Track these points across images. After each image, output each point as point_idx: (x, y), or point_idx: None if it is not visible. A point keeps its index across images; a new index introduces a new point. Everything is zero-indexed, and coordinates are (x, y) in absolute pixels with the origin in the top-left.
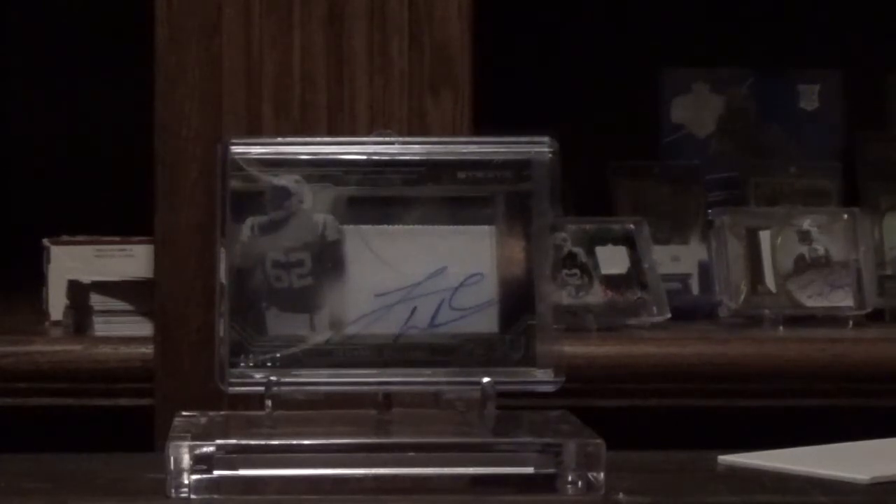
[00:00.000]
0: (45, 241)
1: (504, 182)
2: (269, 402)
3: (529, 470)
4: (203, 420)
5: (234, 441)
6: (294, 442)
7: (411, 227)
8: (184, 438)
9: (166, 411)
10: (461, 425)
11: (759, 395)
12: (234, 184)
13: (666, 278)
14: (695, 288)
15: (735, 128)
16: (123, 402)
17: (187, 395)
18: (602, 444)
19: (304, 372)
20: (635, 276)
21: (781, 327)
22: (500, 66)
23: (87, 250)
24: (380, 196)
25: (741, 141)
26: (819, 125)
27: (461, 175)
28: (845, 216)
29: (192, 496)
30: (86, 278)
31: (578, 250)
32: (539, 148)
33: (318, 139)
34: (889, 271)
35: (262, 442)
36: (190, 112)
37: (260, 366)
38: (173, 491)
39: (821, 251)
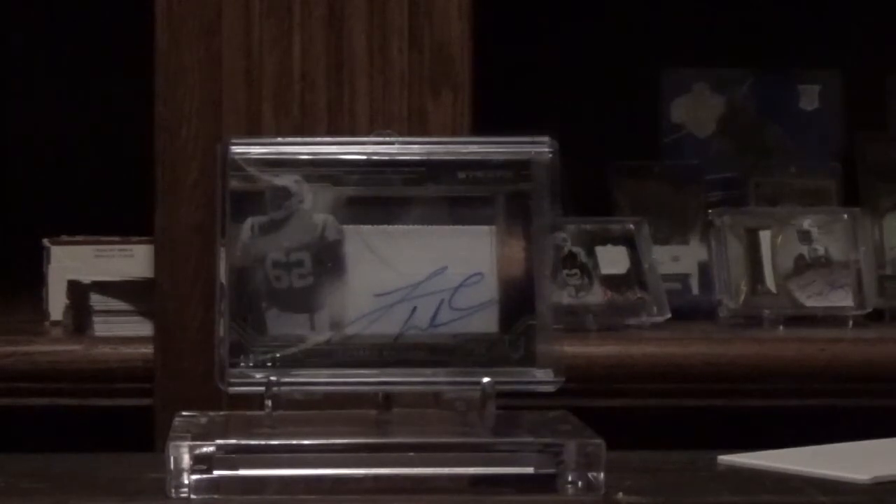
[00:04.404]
0: (45, 241)
1: (504, 182)
2: (269, 402)
3: (529, 470)
4: (203, 420)
5: (234, 441)
6: (294, 442)
7: (411, 227)
8: (184, 438)
9: (166, 411)
10: (461, 425)
11: (759, 395)
12: (234, 184)
13: (666, 278)
14: (695, 288)
15: (735, 128)
16: (123, 402)
17: (187, 395)
18: (602, 444)
19: (304, 372)
20: (635, 276)
21: (781, 327)
22: (500, 66)
23: (87, 250)
24: (380, 196)
25: (741, 141)
26: (819, 125)
27: (461, 175)
28: (845, 216)
29: (192, 496)
30: (86, 278)
31: (578, 250)
32: (539, 148)
33: (318, 139)
34: (889, 271)
35: (262, 442)
36: (190, 112)
37: (260, 366)
38: (173, 491)
39: (821, 251)
